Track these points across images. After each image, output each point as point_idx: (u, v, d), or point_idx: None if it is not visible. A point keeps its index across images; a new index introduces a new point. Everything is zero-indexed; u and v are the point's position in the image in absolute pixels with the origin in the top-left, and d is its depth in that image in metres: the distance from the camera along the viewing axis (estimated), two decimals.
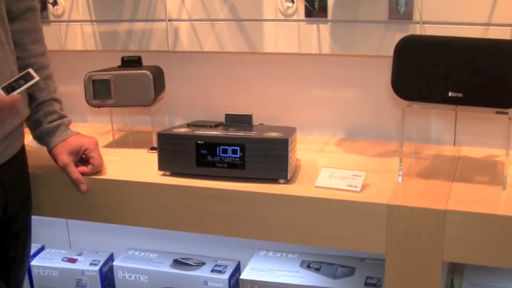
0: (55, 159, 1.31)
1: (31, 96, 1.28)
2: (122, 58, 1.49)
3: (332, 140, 1.56)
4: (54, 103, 1.32)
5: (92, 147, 1.32)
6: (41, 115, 1.30)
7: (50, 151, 1.31)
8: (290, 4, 1.48)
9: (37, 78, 1.15)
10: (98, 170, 1.33)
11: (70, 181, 1.30)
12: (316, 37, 1.48)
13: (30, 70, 1.15)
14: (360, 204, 1.15)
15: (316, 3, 1.45)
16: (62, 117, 1.33)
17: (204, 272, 1.54)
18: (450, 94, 1.15)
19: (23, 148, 1.28)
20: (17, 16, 1.24)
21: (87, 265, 1.65)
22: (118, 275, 1.60)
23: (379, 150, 1.46)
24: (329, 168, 1.25)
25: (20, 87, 1.12)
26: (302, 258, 1.52)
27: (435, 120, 1.49)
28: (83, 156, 1.32)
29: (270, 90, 1.61)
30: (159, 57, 1.61)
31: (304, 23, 1.49)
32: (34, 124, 1.31)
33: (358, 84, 1.54)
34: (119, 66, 1.49)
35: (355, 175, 1.22)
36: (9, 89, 1.11)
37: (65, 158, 1.29)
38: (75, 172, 1.30)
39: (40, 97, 1.29)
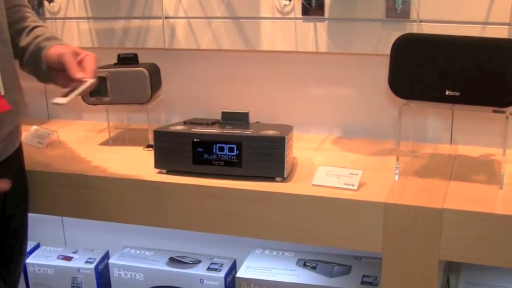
0: (52, 54, 1.21)
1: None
2: (118, 56, 1.49)
3: (329, 138, 1.56)
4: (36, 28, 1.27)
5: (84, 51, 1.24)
6: (30, 38, 1.25)
7: (47, 51, 1.22)
8: (287, 2, 1.48)
9: (92, 80, 1.17)
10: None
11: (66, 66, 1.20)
12: (313, 35, 1.48)
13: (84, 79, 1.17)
14: (356, 202, 1.15)
15: (313, 1, 1.45)
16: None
17: (200, 270, 1.54)
18: (447, 92, 1.15)
19: (20, 146, 1.27)
20: None
21: (82, 263, 1.65)
22: (114, 273, 1.60)
23: (376, 148, 1.46)
24: (326, 166, 1.25)
25: (75, 89, 1.15)
26: (298, 257, 1.52)
27: (432, 118, 1.49)
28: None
29: (266, 88, 1.61)
30: (156, 55, 1.60)
31: (301, 21, 1.48)
32: (22, 49, 1.25)
33: (355, 83, 1.54)
34: (115, 64, 1.48)
35: (352, 174, 1.21)
36: (67, 95, 1.14)
37: (63, 49, 1.21)
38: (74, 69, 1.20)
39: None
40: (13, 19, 1.25)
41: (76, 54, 1.21)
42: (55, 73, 1.23)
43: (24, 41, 1.25)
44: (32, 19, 1.29)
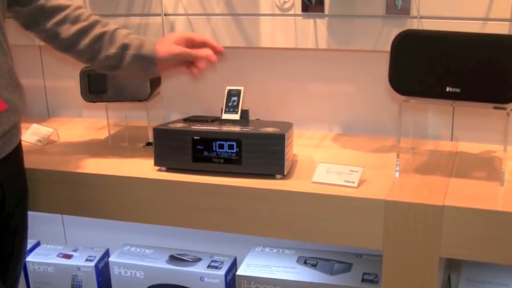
0: (165, 56, 1.30)
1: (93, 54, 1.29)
2: None
3: (329, 136, 1.56)
4: (118, 32, 1.32)
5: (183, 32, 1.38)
6: (118, 45, 1.30)
7: (155, 53, 1.30)
8: None
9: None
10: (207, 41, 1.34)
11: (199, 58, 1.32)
12: (313, 32, 1.48)
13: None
14: (357, 199, 1.15)
15: None
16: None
17: (200, 268, 1.54)
18: (447, 89, 1.15)
19: (19, 144, 1.27)
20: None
21: (82, 261, 1.65)
22: (114, 271, 1.60)
23: (376, 145, 1.45)
24: (326, 163, 1.24)
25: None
26: (298, 254, 1.52)
27: (433, 115, 1.49)
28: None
29: (266, 85, 1.60)
30: None
31: (300, 17, 1.48)
32: (117, 57, 1.30)
33: (355, 79, 1.53)
34: None
35: (352, 171, 1.21)
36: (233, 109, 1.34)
37: (176, 47, 1.30)
38: (196, 51, 1.32)
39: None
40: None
41: (189, 40, 1.32)
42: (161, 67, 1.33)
43: (108, 49, 1.29)
44: (90, 16, 1.33)
